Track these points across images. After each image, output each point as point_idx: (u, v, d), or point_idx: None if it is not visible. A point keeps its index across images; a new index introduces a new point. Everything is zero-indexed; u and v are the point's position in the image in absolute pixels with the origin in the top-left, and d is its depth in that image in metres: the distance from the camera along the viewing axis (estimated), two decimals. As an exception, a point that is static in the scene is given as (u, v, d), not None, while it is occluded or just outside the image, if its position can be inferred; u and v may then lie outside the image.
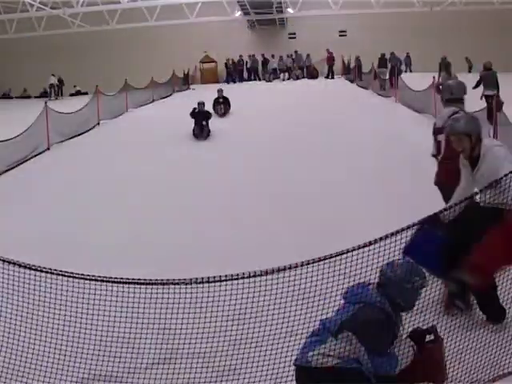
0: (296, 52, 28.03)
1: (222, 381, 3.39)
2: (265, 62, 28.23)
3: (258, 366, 3.34)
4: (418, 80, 16.00)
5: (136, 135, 13.65)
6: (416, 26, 28.13)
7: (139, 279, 3.25)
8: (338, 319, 2.97)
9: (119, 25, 27.27)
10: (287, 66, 27.77)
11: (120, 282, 3.31)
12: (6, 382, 3.49)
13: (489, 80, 12.42)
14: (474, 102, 12.24)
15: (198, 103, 13.57)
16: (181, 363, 3.44)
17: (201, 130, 13.15)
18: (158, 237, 6.93)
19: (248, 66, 28.68)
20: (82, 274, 3.25)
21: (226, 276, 3.09)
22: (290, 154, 10.71)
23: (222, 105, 16.02)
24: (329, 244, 4.32)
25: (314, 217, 7.17)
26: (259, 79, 27.84)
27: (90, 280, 3.26)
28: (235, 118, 15.29)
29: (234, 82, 27.44)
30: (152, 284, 3.28)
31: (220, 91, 16.38)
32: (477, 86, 12.50)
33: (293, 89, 21.79)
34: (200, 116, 13.38)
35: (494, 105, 10.35)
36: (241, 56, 28.25)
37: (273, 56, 28.01)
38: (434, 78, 14.42)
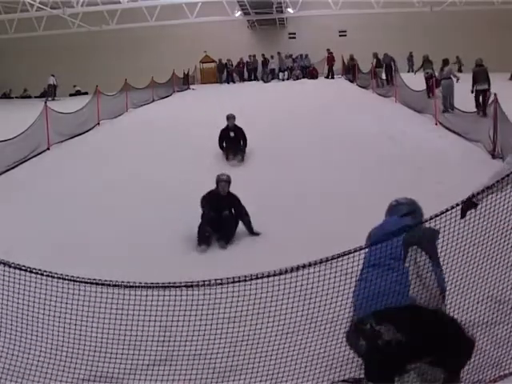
0: (279, 53, 27.95)
1: (222, 381, 3.38)
2: (265, 62, 28.24)
3: (258, 367, 3.34)
4: (418, 80, 16.02)
5: (136, 135, 13.64)
6: (416, 26, 28.12)
7: (140, 283, 3.25)
8: (398, 247, 3.14)
9: (119, 25, 27.26)
10: (287, 66, 27.77)
11: (120, 286, 3.31)
12: (6, 382, 3.49)
13: (480, 76, 12.98)
14: (468, 97, 12.78)
15: (218, 180, 7.52)
16: (181, 363, 3.44)
17: (216, 229, 7.12)
18: (157, 237, 6.93)
19: (248, 66, 28.75)
20: (83, 278, 3.25)
21: (227, 279, 3.10)
22: (287, 151, 10.71)
23: (238, 150, 10.72)
24: (328, 244, 4.32)
25: (314, 217, 7.17)
26: (257, 79, 27.92)
27: (91, 284, 3.27)
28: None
29: (234, 82, 27.51)
30: (153, 287, 3.28)
31: (231, 118, 10.97)
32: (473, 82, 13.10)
33: (293, 90, 21.77)
34: (218, 205, 7.28)
35: (486, 98, 12.03)
36: (241, 58, 28.28)
37: (272, 57, 28.03)
38: (434, 77, 14.53)
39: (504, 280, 3.31)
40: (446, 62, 14.47)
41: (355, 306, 3.19)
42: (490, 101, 11.42)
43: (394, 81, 18.28)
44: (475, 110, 12.38)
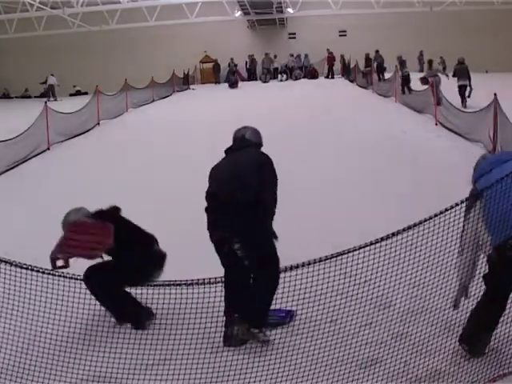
0: (266, 54, 27.92)
1: (222, 381, 3.38)
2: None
3: (258, 366, 3.34)
4: (417, 80, 16.02)
5: (136, 135, 13.64)
6: (416, 26, 28.13)
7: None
8: None
9: (119, 25, 27.27)
10: (288, 66, 27.74)
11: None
12: (6, 382, 3.49)
13: (461, 72, 14.57)
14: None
15: None
16: (181, 363, 3.44)
17: None
18: (159, 236, 6.91)
19: (248, 66, 28.75)
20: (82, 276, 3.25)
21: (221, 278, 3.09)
22: (287, 151, 10.68)
23: None
24: (328, 244, 4.32)
25: (313, 216, 7.16)
26: (256, 79, 27.93)
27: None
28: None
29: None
30: (153, 285, 3.28)
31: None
32: (454, 76, 15.06)
33: (292, 91, 21.77)
34: None
35: (467, 92, 14.21)
36: (236, 65, 28.13)
37: (275, 56, 28.02)
38: (408, 76, 15.28)
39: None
40: (431, 63, 16.39)
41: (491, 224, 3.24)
42: (469, 94, 14.12)
43: (383, 77, 20.39)
44: (461, 103, 13.96)
